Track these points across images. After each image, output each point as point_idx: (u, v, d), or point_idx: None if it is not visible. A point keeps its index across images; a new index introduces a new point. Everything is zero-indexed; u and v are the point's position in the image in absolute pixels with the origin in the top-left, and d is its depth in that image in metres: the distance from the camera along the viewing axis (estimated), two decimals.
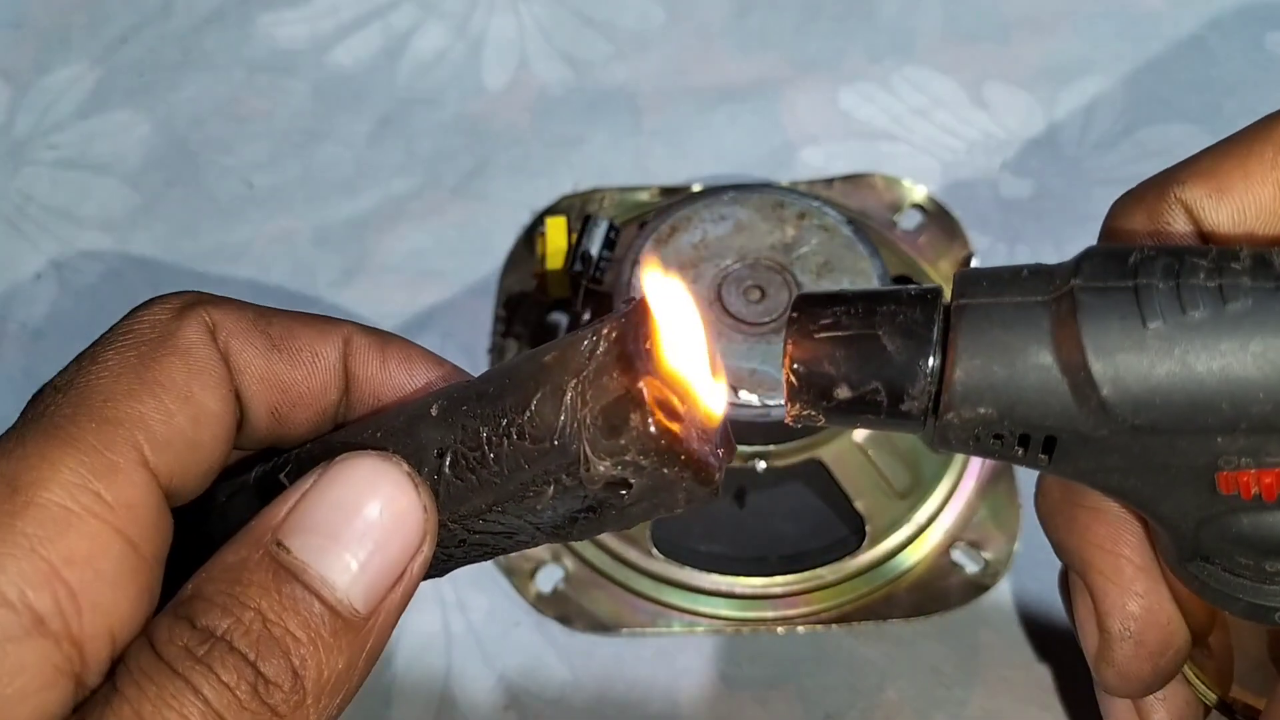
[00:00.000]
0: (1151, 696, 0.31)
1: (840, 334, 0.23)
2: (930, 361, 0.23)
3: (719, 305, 0.43)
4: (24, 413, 0.22)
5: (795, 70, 0.57)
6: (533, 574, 0.45)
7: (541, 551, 0.45)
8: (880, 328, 0.23)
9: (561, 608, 0.44)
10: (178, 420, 0.22)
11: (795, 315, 0.24)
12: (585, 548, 0.45)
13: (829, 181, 0.53)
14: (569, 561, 0.45)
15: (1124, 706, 0.32)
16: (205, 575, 0.21)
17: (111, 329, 0.23)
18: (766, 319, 0.42)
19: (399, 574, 0.21)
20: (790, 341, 0.23)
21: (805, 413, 0.24)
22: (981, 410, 0.22)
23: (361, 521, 0.21)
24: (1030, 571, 0.44)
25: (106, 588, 0.20)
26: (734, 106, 0.56)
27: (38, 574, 0.20)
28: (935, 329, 0.23)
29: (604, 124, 0.56)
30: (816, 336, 0.23)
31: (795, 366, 0.23)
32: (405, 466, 0.22)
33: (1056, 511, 0.29)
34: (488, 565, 0.45)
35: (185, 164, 0.56)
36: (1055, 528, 0.29)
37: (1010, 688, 0.41)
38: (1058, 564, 0.44)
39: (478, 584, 0.44)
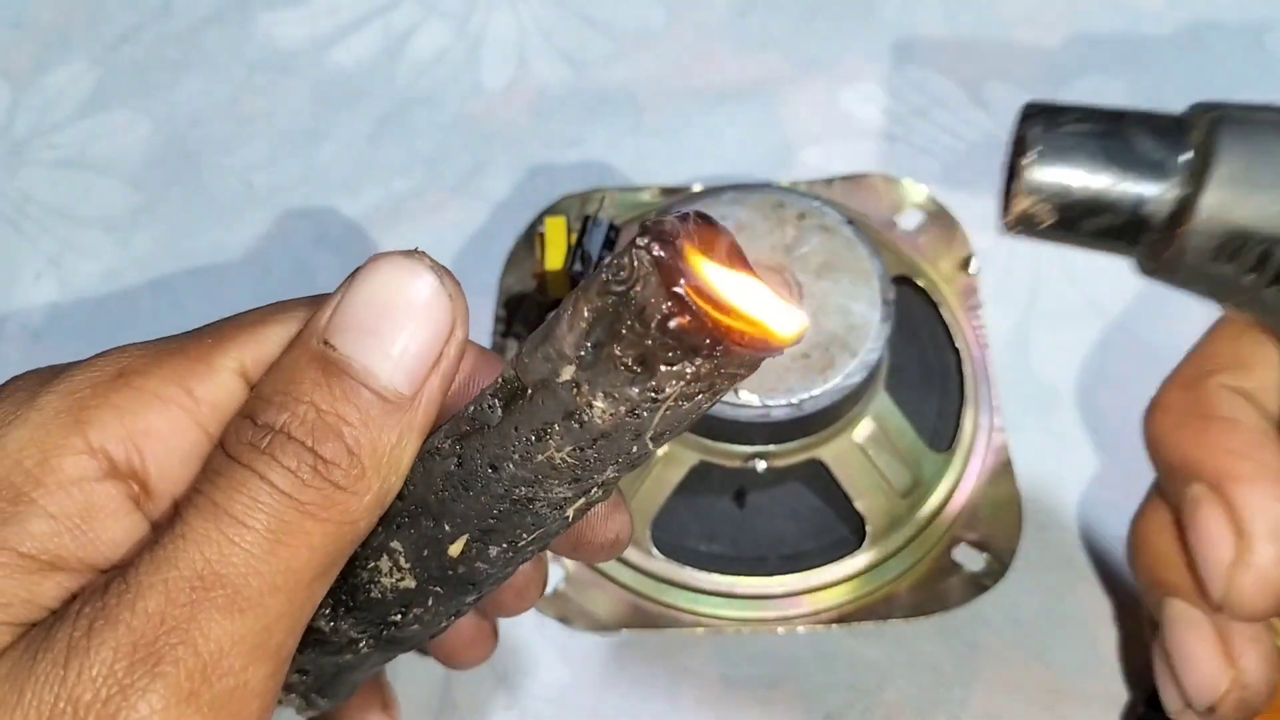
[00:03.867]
0: (1242, 637, 0.31)
1: (1089, 128, 0.22)
2: (1185, 156, 0.21)
3: None
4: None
5: (795, 70, 0.57)
6: None
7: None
8: (1129, 130, 0.22)
9: (561, 608, 0.44)
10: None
11: (1034, 113, 0.22)
12: None
13: (829, 181, 0.53)
14: (569, 561, 0.45)
15: (1208, 649, 0.31)
16: (264, 379, 0.23)
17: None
18: None
19: (435, 357, 0.23)
20: (1030, 134, 0.22)
21: (1034, 209, 0.22)
22: (1236, 216, 0.21)
23: (394, 314, 0.23)
24: (1030, 571, 0.43)
25: (176, 461, 0.24)
26: (734, 106, 0.56)
27: (117, 434, 0.23)
28: (1192, 133, 0.22)
29: (604, 124, 0.56)
30: (1062, 129, 0.22)
31: (1033, 158, 0.22)
32: (428, 260, 0.23)
33: (1183, 425, 0.29)
34: None
35: (185, 164, 0.56)
36: (1180, 441, 0.29)
37: (1010, 688, 0.41)
38: (1057, 564, 0.44)
39: None
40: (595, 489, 0.24)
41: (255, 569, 0.22)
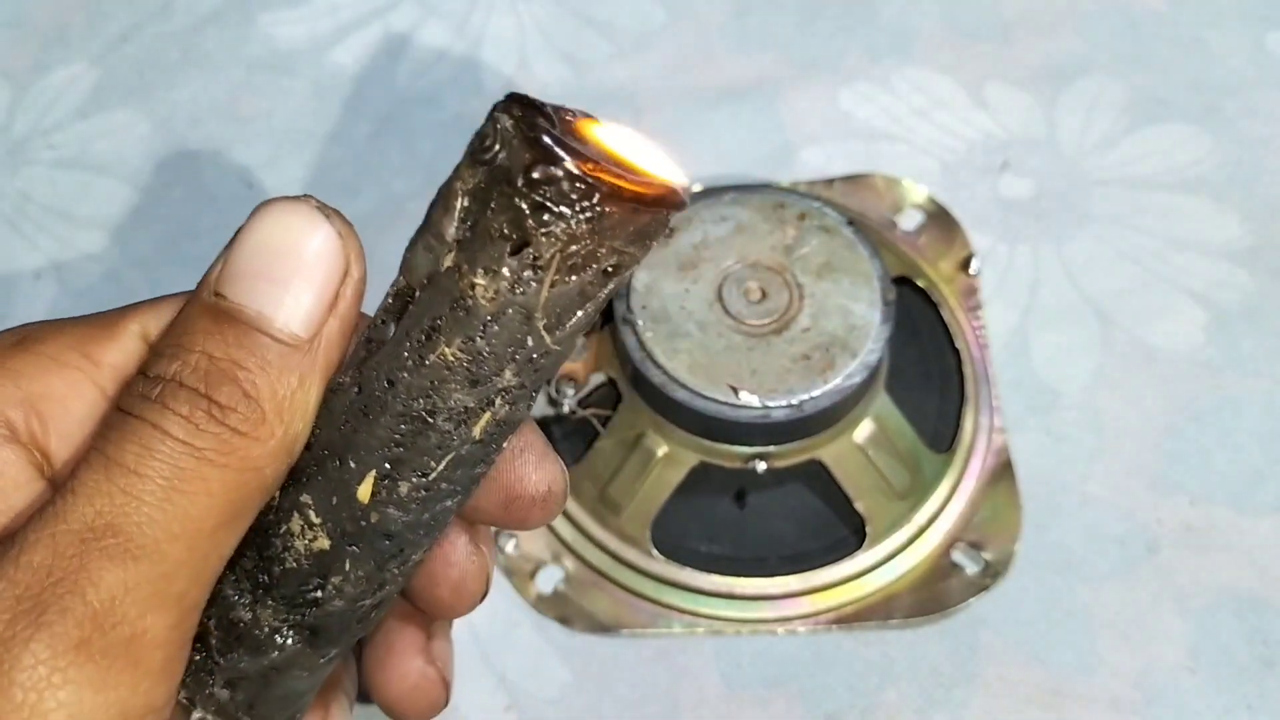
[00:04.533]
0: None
1: None
2: None
3: (719, 306, 0.43)
4: None
5: (795, 70, 0.57)
6: (533, 575, 0.45)
7: (542, 552, 0.45)
8: None
9: (561, 608, 0.44)
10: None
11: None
12: (585, 548, 0.45)
13: (829, 182, 0.53)
14: (569, 562, 0.45)
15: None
16: (159, 337, 0.23)
17: None
18: (767, 319, 0.42)
19: (331, 299, 0.23)
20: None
21: None
22: None
23: (284, 258, 0.22)
24: (1030, 571, 0.44)
25: (76, 425, 0.24)
26: (734, 106, 0.56)
27: (14, 399, 0.23)
28: None
29: None
30: None
31: None
32: (315, 202, 0.23)
33: None
34: None
35: (185, 164, 0.56)
36: None
37: (1010, 688, 0.41)
38: (1057, 564, 0.44)
39: None
40: (498, 398, 0.23)
41: (150, 517, 0.21)
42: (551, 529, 0.45)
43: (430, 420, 0.23)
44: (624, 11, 0.60)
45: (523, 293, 0.21)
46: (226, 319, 0.22)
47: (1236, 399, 0.47)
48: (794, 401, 0.41)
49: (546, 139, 0.20)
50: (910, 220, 0.52)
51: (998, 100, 0.55)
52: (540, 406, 0.47)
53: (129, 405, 0.22)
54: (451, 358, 0.22)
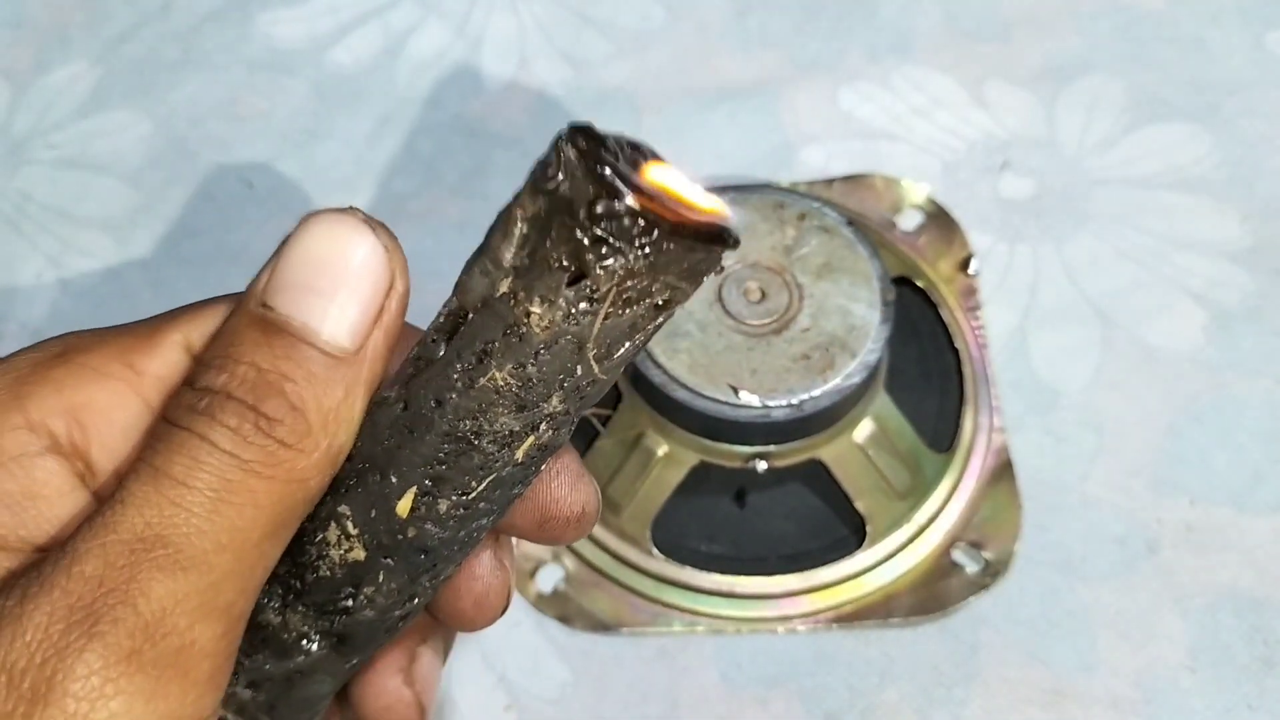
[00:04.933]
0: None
1: None
2: None
3: (719, 306, 0.43)
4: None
5: (795, 70, 0.57)
6: (533, 574, 0.45)
7: (542, 551, 0.45)
8: None
9: (561, 608, 0.44)
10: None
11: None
12: (585, 547, 0.45)
13: (829, 182, 0.53)
14: (569, 561, 0.45)
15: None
16: (206, 347, 0.23)
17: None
18: (767, 319, 0.42)
19: (377, 311, 0.23)
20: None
21: None
22: None
23: (331, 271, 0.23)
24: (1030, 571, 0.44)
25: (119, 435, 0.24)
26: (734, 106, 0.56)
27: (56, 409, 0.23)
28: None
29: (604, 124, 0.55)
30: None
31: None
32: (361, 215, 0.23)
33: None
34: None
35: (185, 164, 0.56)
36: None
37: (1010, 688, 0.41)
38: (1057, 564, 0.44)
39: None
40: (544, 423, 0.23)
41: (198, 528, 0.21)
42: None
43: (475, 441, 0.23)
44: (624, 11, 0.60)
45: (577, 324, 0.22)
46: (274, 330, 0.22)
47: (1236, 399, 0.47)
48: (794, 401, 0.41)
49: (610, 173, 0.20)
50: (910, 220, 0.52)
51: (998, 100, 0.55)
52: None
53: (176, 417, 0.22)
54: (501, 382, 0.22)
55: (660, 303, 0.22)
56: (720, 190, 0.49)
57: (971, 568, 0.44)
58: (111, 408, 0.24)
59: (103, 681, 0.20)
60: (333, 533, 0.24)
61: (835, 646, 0.43)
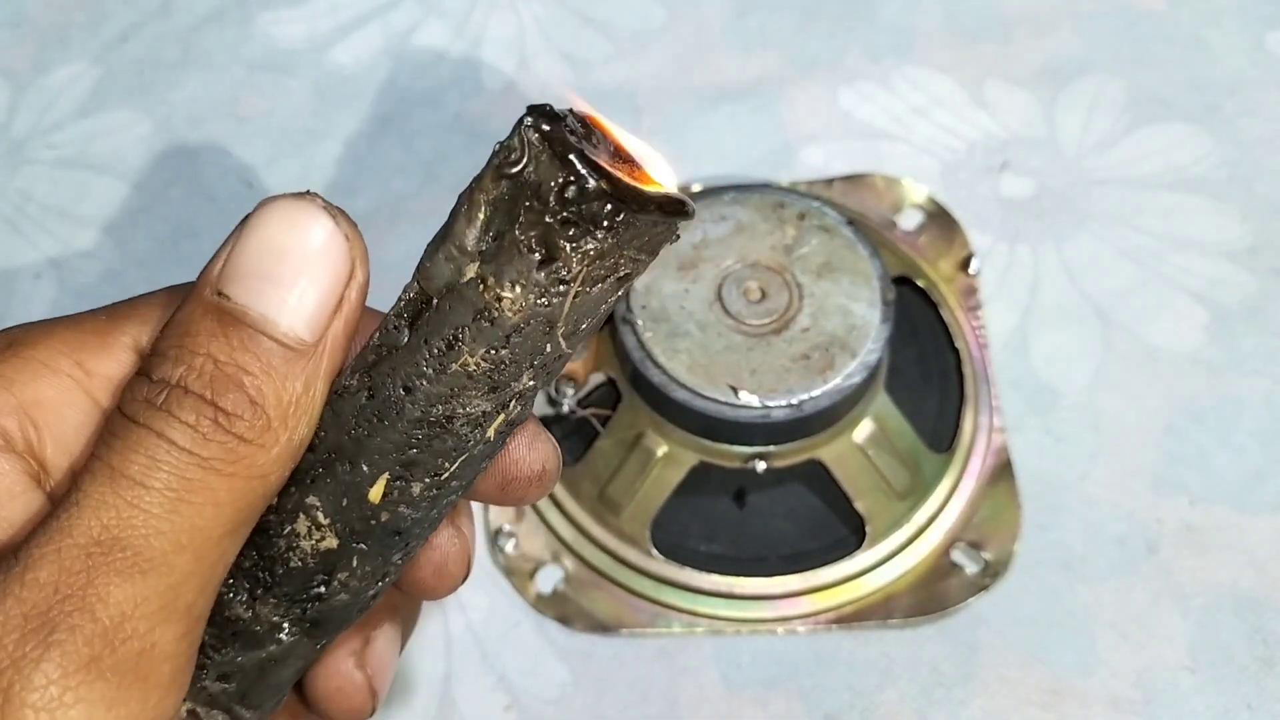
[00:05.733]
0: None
1: None
2: None
3: (719, 306, 0.43)
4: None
5: (795, 70, 0.57)
6: (532, 574, 0.45)
7: (542, 552, 0.45)
8: None
9: (561, 608, 0.44)
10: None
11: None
12: (585, 548, 0.45)
13: (829, 181, 0.53)
14: (569, 562, 0.45)
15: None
16: (160, 335, 0.22)
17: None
18: (767, 319, 0.42)
19: (336, 302, 0.22)
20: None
21: None
22: None
23: (289, 259, 0.22)
24: (1030, 571, 0.44)
25: (70, 430, 0.23)
26: (734, 106, 0.56)
27: (7, 406, 0.23)
28: None
29: None
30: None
31: None
32: (321, 201, 0.22)
33: None
34: (488, 565, 0.45)
35: (185, 164, 0.56)
36: None
37: (1010, 688, 0.41)
38: (1057, 564, 0.44)
39: (478, 584, 0.44)
40: (513, 400, 0.23)
41: (157, 529, 0.21)
42: (551, 529, 0.45)
43: (448, 425, 0.23)
44: (624, 11, 0.60)
45: (548, 305, 0.22)
46: (230, 320, 0.22)
47: (1236, 399, 0.47)
48: (794, 401, 0.41)
49: (575, 159, 0.20)
50: (910, 220, 0.52)
51: (998, 100, 0.55)
52: (540, 406, 0.47)
53: (133, 411, 0.21)
54: (474, 366, 0.22)
55: (622, 275, 0.22)
56: (720, 190, 0.49)
57: (971, 568, 0.44)
58: (62, 404, 0.23)
59: (61, 691, 0.20)
60: (302, 524, 0.24)
61: (835, 647, 0.43)
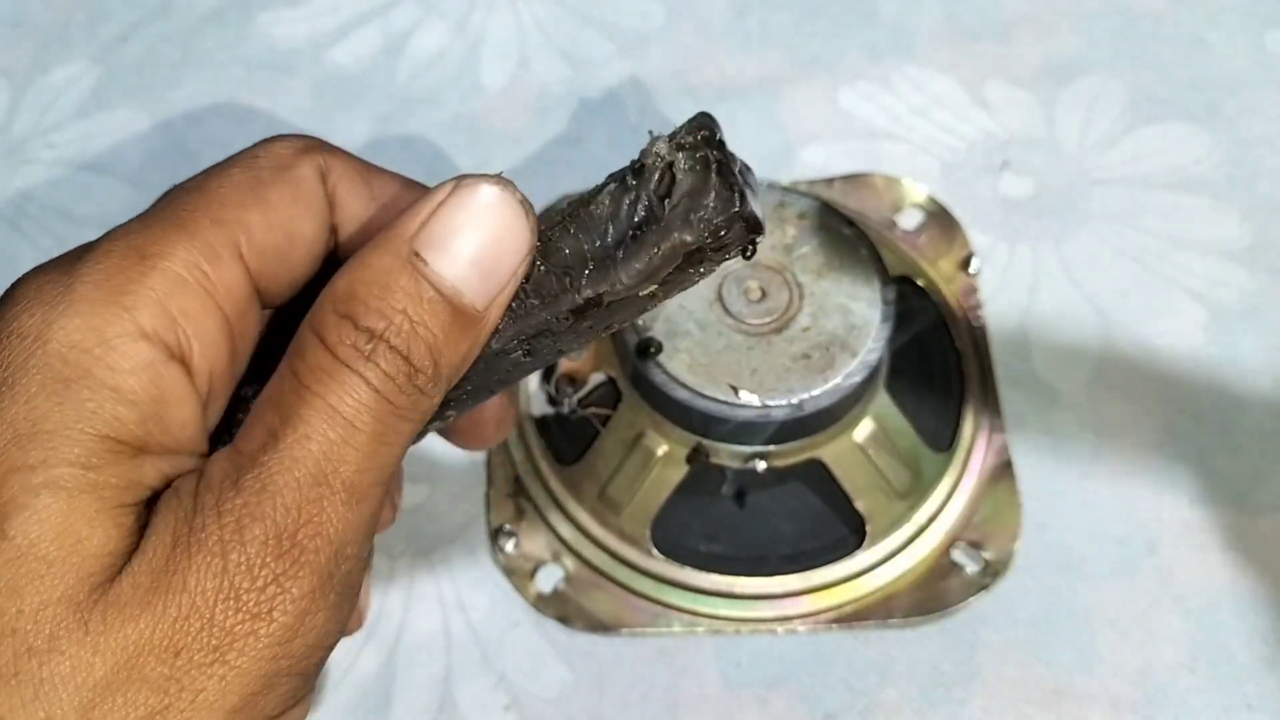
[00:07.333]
0: None
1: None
2: None
3: (719, 305, 0.43)
4: (155, 203, 0.27)
5: (795, 70, 0.57)
6: (533, 574, 0.45)
7: (542, 551, 0.45)
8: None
9: (561, 608, 0.44)
10: (275, 235, 0.27)
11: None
12: (585, 547, 0.45)
13: (829, 181, 0.53)
14: (569, 561, 0.45)
15: None
16: (358, 277, 0.25)
17: (239, 153, 0.29)
18: (767, 319, 0.42)
19: (508, 280, 0.25)
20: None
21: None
22: None
23: (483, 240, 0.25)
24: (1030, 571, 0.44)
25: (209, 340, 0.26)
26: (734, 106, 0.56)
27: (165, 318, 0.25)
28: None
29: (604, 124, 0.56)
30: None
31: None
32: (519, 195, 0.25)
33: None
34: (488, 564, 0.45)
35: (185, 163, 0.56)
36: None
37: (1010, 688, 0.41)
38: (1057, 564, 0.44)
39: (478, 584, 0.44)
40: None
41: (364, 466, 0.24)
42: (551, 528, 0.45)
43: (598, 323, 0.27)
44: (624, 11, 0.60)
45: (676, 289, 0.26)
46: (426, 285, 0.24)
47: (1236, 399, 0.47)
48: (794, 401, 0.41)
49: (757, 216, 0.25)
50: (910, 219, 0.52)
51: (998, 100, 0.55)
52: (540, 406, 0.47)
53: (346, 356, 0.24)
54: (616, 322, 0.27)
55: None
56: None
57: (971, 568, 0.44)
58: (202, 315, 0.25)
59: (309, 603, 0.24)
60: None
61: (835, 646, 0.43)
